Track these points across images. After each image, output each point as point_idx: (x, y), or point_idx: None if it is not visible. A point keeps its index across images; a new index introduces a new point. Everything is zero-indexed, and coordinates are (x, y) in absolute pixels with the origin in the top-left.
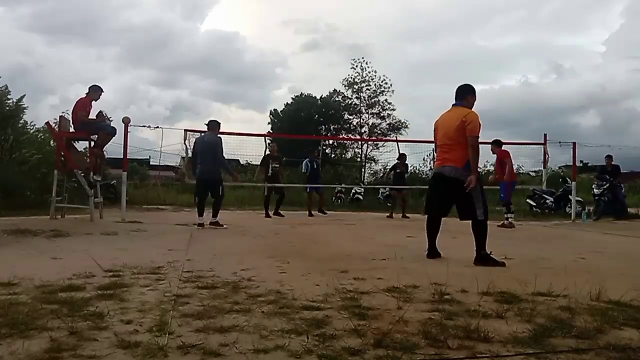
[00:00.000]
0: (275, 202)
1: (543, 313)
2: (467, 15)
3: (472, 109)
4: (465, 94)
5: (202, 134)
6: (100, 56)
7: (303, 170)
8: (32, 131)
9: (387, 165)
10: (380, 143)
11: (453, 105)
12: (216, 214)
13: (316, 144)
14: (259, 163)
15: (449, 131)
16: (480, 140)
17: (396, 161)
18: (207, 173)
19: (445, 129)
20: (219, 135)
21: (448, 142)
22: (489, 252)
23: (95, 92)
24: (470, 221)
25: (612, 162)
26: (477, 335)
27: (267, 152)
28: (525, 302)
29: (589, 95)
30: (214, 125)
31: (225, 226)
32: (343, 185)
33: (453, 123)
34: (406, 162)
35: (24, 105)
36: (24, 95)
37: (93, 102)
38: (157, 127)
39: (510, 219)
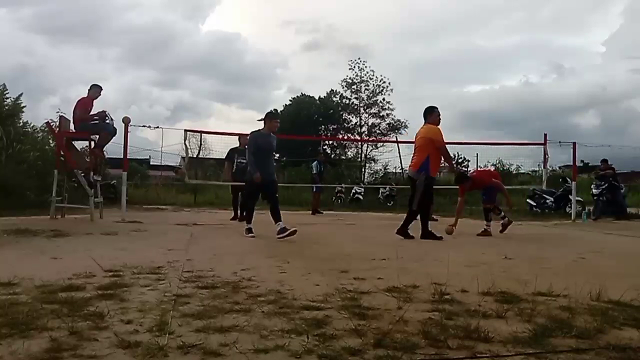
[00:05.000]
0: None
1: (543, 313)
2: (467, 15)
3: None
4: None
5: (260, 131)
6: (102, 57)
7: (314, 171)
8: (31, 130)
9: (387, 165)
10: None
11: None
12: (280, 218)
13: (316, 144)
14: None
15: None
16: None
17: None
18: (270, 174)
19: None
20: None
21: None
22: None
23: (95, 91)
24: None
25: (609, 164)
26: (477, 335)
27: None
28: (525, 302)
29: (589, 95)
30: (273, 116)
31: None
32: (343, 185)
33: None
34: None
35: (22, 104)
36: (22, 94)
37: (95, 101)
38: (157, 127)
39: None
